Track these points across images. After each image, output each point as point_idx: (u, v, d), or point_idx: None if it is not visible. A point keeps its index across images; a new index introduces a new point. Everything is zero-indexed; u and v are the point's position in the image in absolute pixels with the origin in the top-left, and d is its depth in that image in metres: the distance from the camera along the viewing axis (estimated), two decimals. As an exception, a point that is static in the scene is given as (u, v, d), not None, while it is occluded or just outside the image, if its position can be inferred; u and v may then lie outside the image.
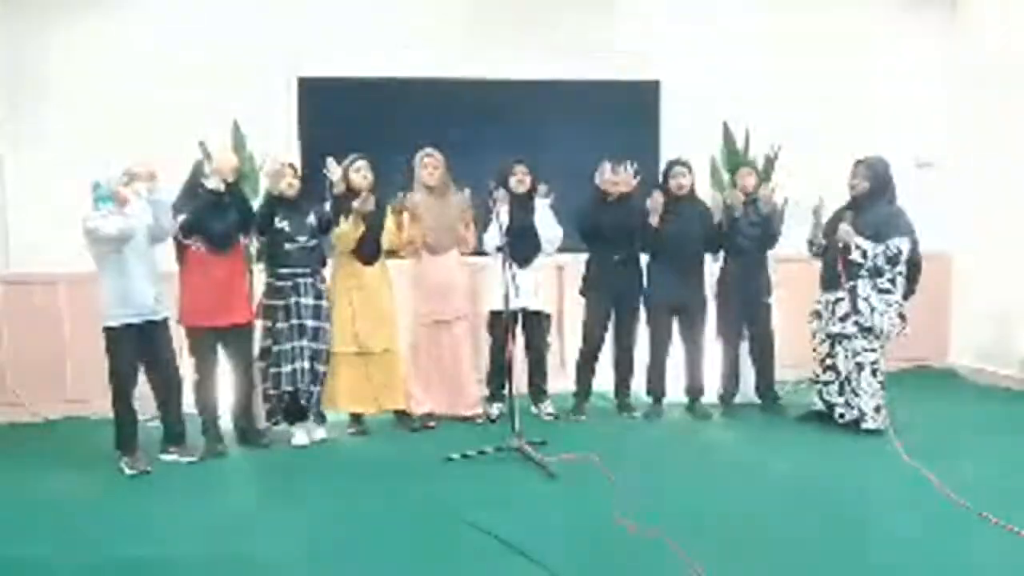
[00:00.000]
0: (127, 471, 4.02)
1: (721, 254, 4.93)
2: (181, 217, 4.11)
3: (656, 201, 4.66)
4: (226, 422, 4.48)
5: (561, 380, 5.14)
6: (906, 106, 5.99)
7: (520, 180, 4.75)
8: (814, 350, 4.69)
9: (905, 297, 4.48)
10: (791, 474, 3.89)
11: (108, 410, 4.56)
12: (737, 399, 5.06)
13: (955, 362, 6.08)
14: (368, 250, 4.55)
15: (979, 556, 2.98)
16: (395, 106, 5.35)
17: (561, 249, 4.93)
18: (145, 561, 3.06)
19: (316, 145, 4.82)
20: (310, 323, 4.41)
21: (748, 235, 4.81)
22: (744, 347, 5.00)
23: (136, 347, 4.08)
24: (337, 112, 5.27)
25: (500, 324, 4.65)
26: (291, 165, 4.52)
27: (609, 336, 4.96)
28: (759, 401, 5.04)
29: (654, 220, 4.68)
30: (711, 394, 5.02)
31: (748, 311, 4.89)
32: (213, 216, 4.17)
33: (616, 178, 4.72)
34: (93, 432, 4.71)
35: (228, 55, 5.19)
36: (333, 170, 4.40)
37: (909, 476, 3.72)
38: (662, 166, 5.11)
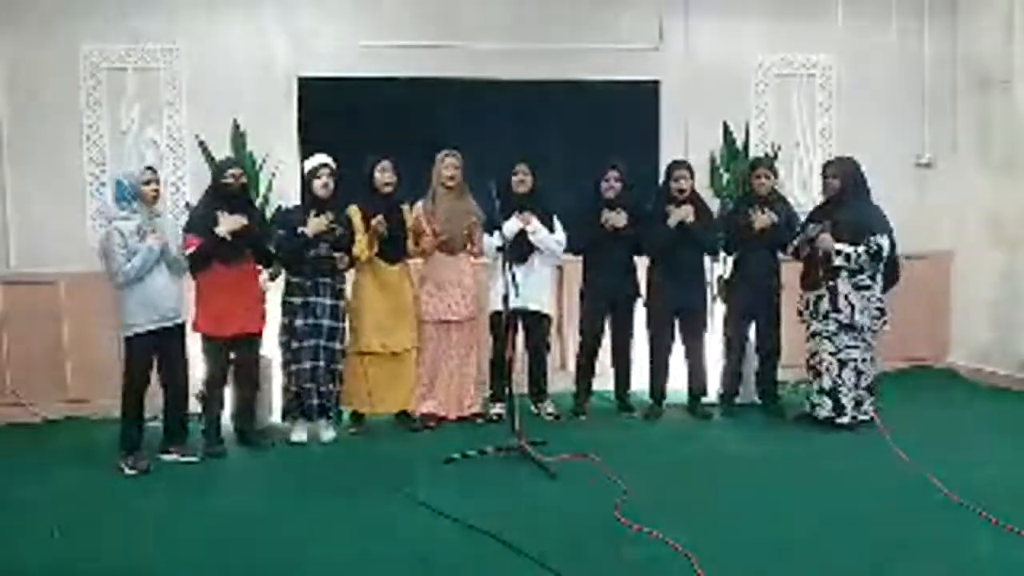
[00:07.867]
0: (127, 471, 4.02)
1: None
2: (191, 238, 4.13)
3: (684, 211, 4.66)
4: (226, 422, 4.46)
5: (561, 380, 5.13)
6: (906, 106, 5.99)
7: (521, 180, 4.75)
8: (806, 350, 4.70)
9: (884, 289, 4.51)
10: (789, 473, 3.90)
11: (108, 410, 4.58)
12: (738, 399, 5.06)
13: (954, 362, 6.07)
14: (391, 251, 4.57)
15: (979, 556, 2.98)
16: (395, 106, 5.34)
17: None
18: (145, 561, 3.06)
19: (316, 145, 4.80)
20: (326, 323, 4.42)
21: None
22: (749, 347, 5.00)
23: (153, 353, 4.11)
24: (337, 112, 5.26)
25: (501, 324, 4.66)
26: (326, 164, 4.44)
27: (608, 337, 4.96)
28: (760, 401, 5.05)
29: (673, 222, 4.68)
30: (712, 394, 5.03)
31: (755, 311, 4.89)
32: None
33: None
34: (93, 432, 4.72)
35: (228, 55, 5.19)
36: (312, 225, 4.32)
37: (908, 476, 3.72)
38: (663, 166, 5.12)
